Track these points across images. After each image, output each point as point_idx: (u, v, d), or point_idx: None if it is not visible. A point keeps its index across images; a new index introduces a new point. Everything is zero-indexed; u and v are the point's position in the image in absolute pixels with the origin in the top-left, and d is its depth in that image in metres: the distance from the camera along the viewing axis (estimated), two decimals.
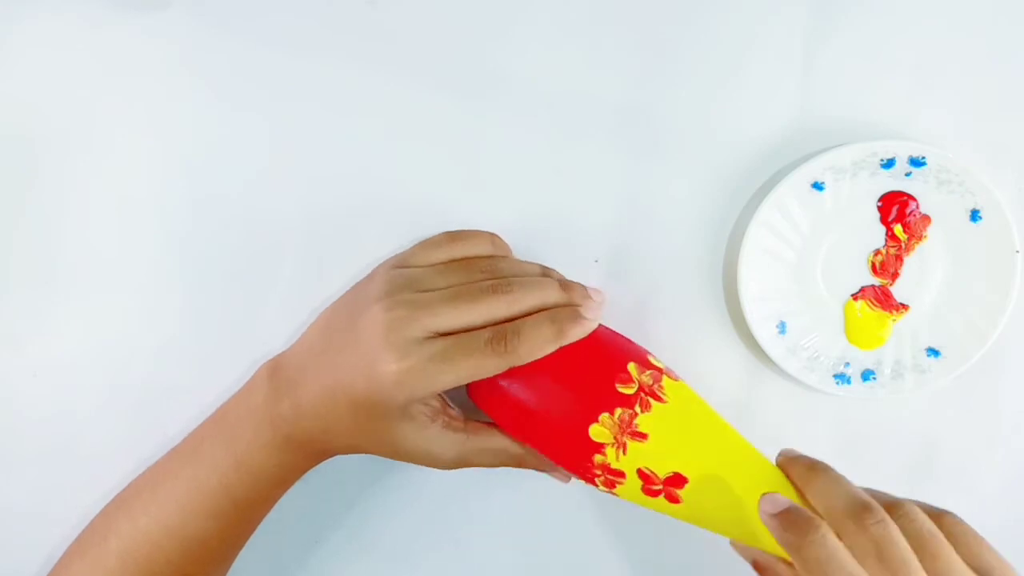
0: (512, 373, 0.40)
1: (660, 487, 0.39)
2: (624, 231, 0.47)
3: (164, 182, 0.46)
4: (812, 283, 0.47)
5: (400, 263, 0.44)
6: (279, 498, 0.44)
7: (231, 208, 0.46)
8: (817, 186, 0.46)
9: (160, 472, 0.44)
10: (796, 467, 0.38)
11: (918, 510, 0.36)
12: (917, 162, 0.45)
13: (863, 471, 0.49)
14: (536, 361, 0.40)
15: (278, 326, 0.46)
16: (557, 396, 0.40)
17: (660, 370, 0.41)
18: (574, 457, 0.40)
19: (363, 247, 0.46)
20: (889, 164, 0.45)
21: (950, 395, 0.49)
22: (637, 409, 0.39)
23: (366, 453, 0.42)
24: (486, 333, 0.40)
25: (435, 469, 0.42)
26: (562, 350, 0.40)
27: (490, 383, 0.41)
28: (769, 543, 0.37)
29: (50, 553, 0.45)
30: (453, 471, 0.42)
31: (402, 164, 0.46)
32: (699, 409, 0.41)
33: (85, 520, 0.45)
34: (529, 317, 0.41)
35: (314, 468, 0.44)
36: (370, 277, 0.44)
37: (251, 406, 0.43)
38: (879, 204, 0.47)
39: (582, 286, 0.43)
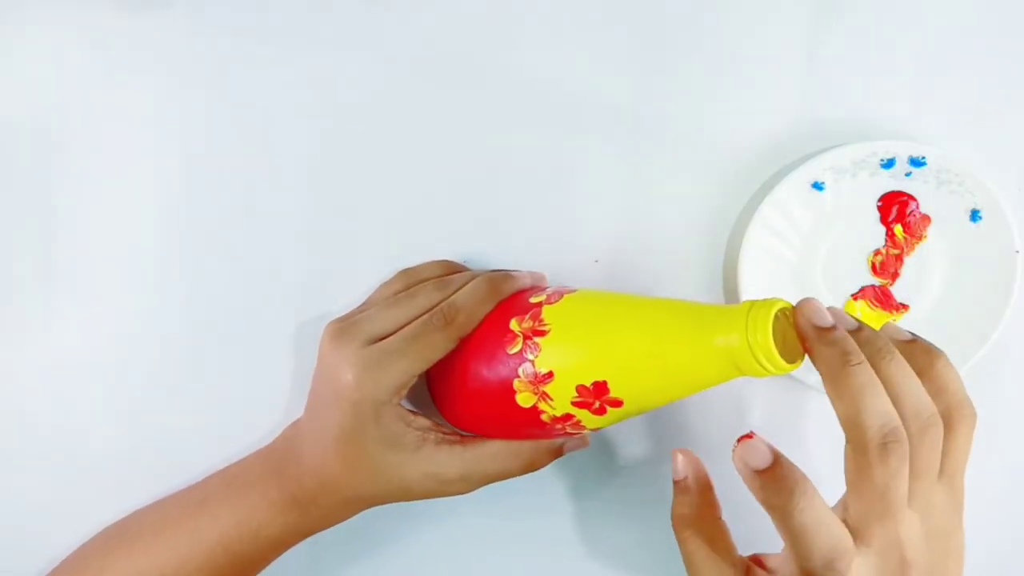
0: (447, 370, 0.40)
1: (596, 402, 0.37)
2: (624, 231, 0.47)
3: (165, 182, 0.46)
4: (812, 283, 0.47)
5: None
6: (276, 558, 0.43)
7: (232, 208, 0.46)
8: (817, 186, 0.46)
9: (164, 517, 0.44)
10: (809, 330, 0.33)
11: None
12: (917, 162, 0.45)
13: None
14: (457, 355, 0.40)
15: (279, 326, 0.46)
16: (483, 383, 0.39)
17: (539, 304, 0.39)
18: (530, 430, 0.40)
19: (364, 246, 0.46)
20: (889, 164, 0.46)
21: None
22: (529, 356, 0.38)
23: (377, 501, 0.41)
24: (425, 315, 0.40)
25: (454, 496, 0.41)
26: (471, 339, 0.40)
27: (440, 388, 0.41)
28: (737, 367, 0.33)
29: (50, 553, 0.45)
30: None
31: (402, 163, 0.46)
32: (593, 309, 0.38)
33: (85, 520, 0.45)
34: (464, 287, 0.41)
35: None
36: None
37: (266, 467, 0.43)
38: (879, 204, 0.47)
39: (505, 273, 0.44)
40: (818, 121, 0.47)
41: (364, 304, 0.45)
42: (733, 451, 0.33)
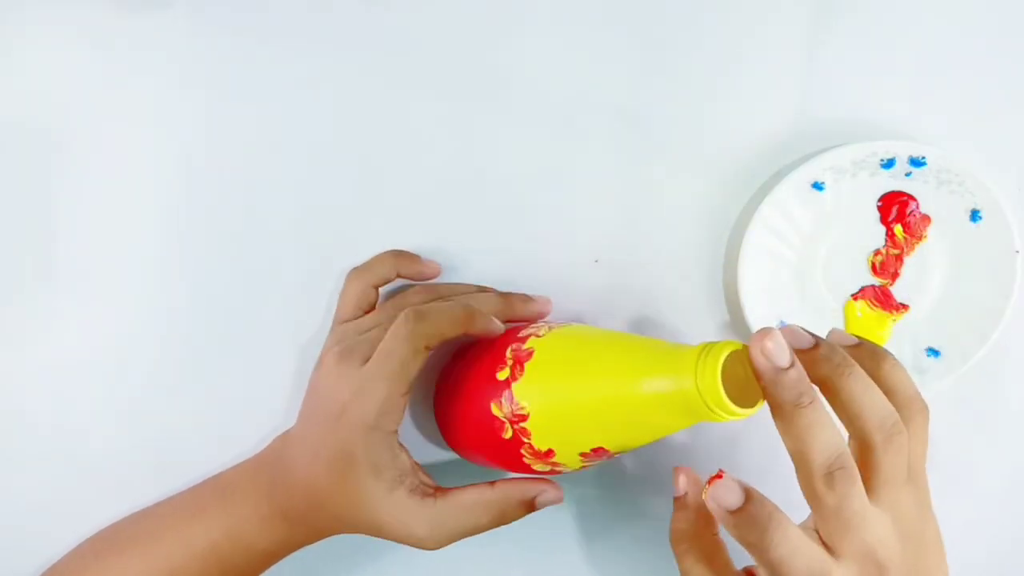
0: (445, 393, 0.41)
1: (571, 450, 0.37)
2: (624, 231, 0.47)
3: (165, 181, 0.46)
4: (812, 283, 0.47)
5: (336, 321, 0.45)
6: (267, 568, 0.43)
7: (232, 207, 0.46)
8: (817, 186, 0.46)
9: (159, 524, 0.44)
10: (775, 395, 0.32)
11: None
12: (917, 162, 0.45)
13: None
14: (453, 384, 0.41)
15: (280, 326, 0.46)
16: (471, 415, 0.40)
17: (524, 339, 0.39)
18: (514, 465, 0.39)
19: (365, 246, 0.46)
20: (889, 164, 0.46)
21: (950, 395, 0.49)
22: (509, 398, 0.38)
23: (355, 530, 0.40)
24: (394, 324, 0.39)
25: (424, 550, 0.40)
26: (466, 364, 0.41)
27: (439, 409, 0.42)
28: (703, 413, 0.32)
29: (50, 553, 0.45)
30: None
31: (402, 163, 0.46)
32: (573, 344, 0.38)
33: (85, 520, 0.45)
34: (438, 301, 0.42)
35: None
36: (327, 339, 0.45)
37: (257, 479, 0.43)
38: (879, 204, 0.47)
39: (499, 293, 0.45)
40: (818, 121, 0.47)
41: (337, 310, 0.45)
42: (704, 492, 0.32)
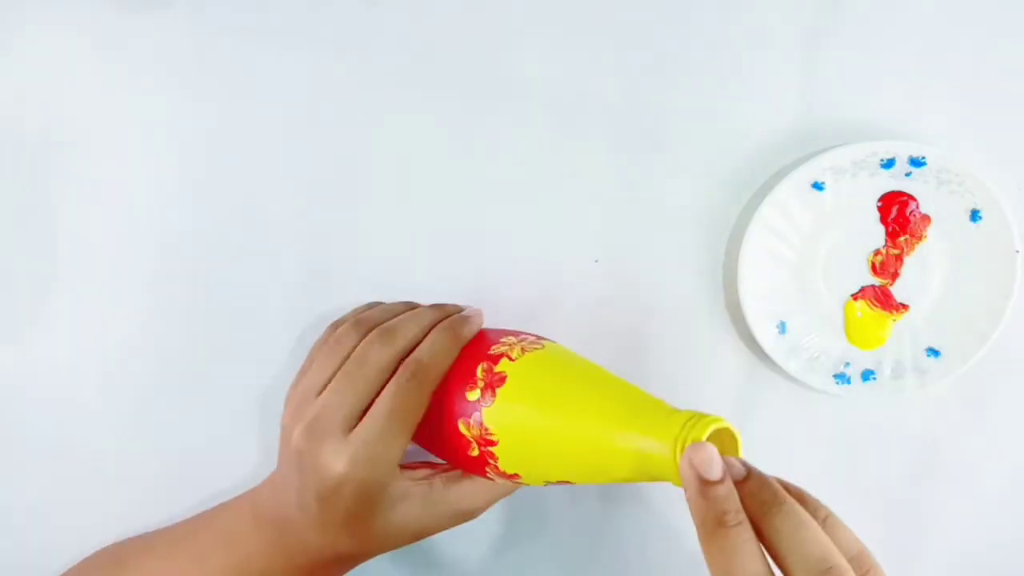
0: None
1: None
2: (624, 231, 0.47)
3: (165, 181, 0.46)
4: (812, 283, 0.47)
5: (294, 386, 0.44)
6: None
7: (232, 207, 0.46)
8: (817, 186, 0.46)
9: (156, 555, 0.44)
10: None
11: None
12: (917, 162, 0.45)
13: (863, 471, 0.50)
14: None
15: (279, 325, 0.46)
16: (440, 424, 0.39)
17: (495, 358, 0.39)
18: (480, 473, 0.39)
19: (365, 246, 0.46)
20: (889, 164, 0.46)
21: (950, 395, 0.49)
22: (481, 420, 0.38)
23: (397, 548, 0.41)
24: (392, 384, 0.39)
25: (474, 519, 0.41)
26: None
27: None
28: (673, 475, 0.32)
29: (50, 553, 0.45)
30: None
31: (402, 163, 0.46)
32: (547, 375, 0.38)
33: (85, 520, 0.45)
34: (425, 340, 0.40)
35: None
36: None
37: (263, 536, 0.41)
38: (879, 204, 0.47)
39: (452, 305, 0.44)
40: (818, 121, 0.47)
41: (303, 372, 0.43)
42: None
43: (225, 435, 0.47)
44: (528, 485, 0.39)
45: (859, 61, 0.47)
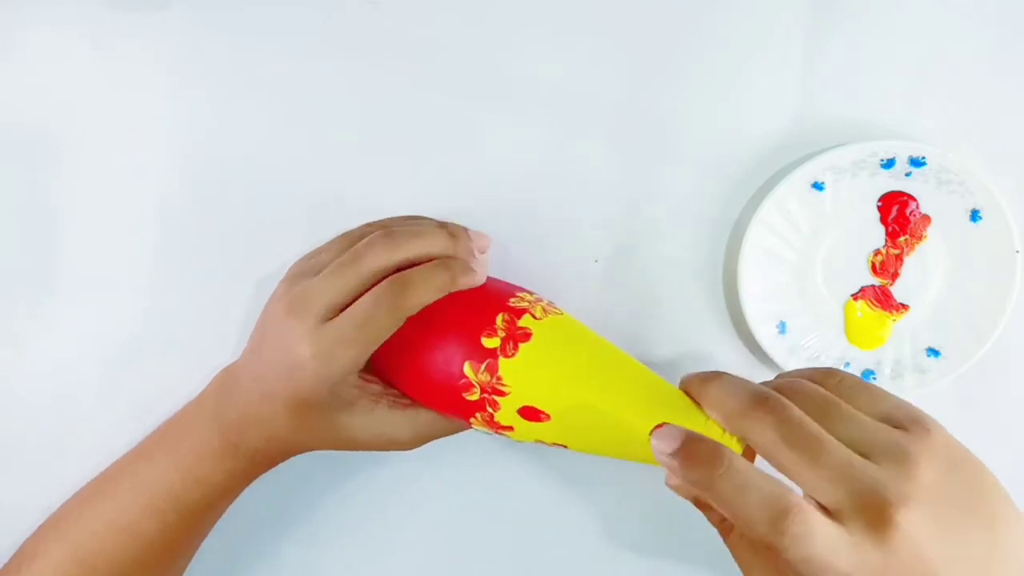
0: (397, 336, 0.39)
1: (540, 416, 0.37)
2: (624, 231, 0.47)
3: (164, 181, 0.46)
4: (812, 283, 0.47)
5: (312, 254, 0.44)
6: (227, 507, 0.44)
7: (232, 207, 0.46)
8: (817, 186, 0.46)
9: (111, 471, 0.45)
10: (692, 385, 0.35)
11: (804, 382, 0.34)
12: (917, 162, 0.45)
13: None
14: (417, 320, 0.39)
15: None
16: (434, 357, 0.39)
17: (518, 312, 0.39)
18: (461, 414, 0.40)
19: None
20: (889, 164, 0.45)
21: (950, 395, 0.49)
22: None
23: (323, 450, 0.42)
24: (375, 291, 0.39)
25: (399, 451, 0.42)
26: (440, 307, 0.40)
27: (387, 365, 0.41)
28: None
29: None
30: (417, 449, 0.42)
31: (402, 163, 0.46)
32: (572, 341, 0.39)
33: None
34: (421, 266, 0.40)
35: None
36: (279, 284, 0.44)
37: (202, 414, 0.43)
38: (879, 204, 0.47)
39: (466, 233, 0.43)
40: (818, 121, 0.47)
41: (317, 252, 0.44)
42: (652, 448, 0.33)
43: None
44: (515, 440, 0.39)
45: (859, 61, 0.47)
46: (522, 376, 0.37)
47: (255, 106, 0.46)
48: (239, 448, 0.41)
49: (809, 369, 0.36)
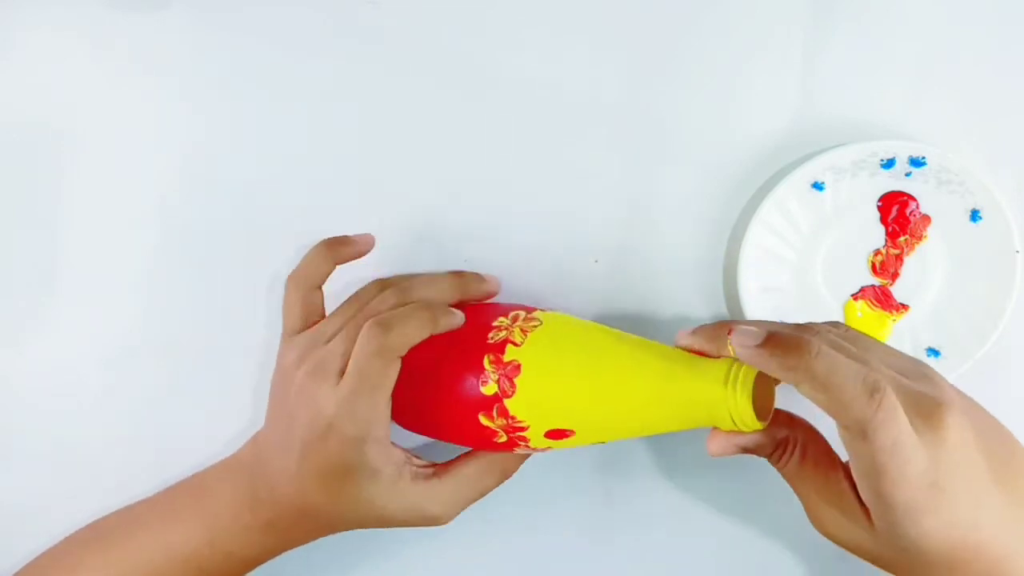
0: (408, 381, 0.40)
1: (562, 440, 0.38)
2: (624, 231, 0.47)
3: (164, 181, 0.46)
4: (812, 283, 0.47)
5: (285, 334, 0.43)
6: (247, 574, 0.43)
7: (232, 207, 0.46)
8: (817, 186, 0.46)
9: (138, 525, 0.44)
10: (702, 338, 0.36)
11: (821, 323, 0.37)
12: (917, 162, 0.45)
13: None
14: (421, 383, 0.40)
15: (280, 327, 0.46)
16: (452, 418, 0.40)
17: (500, 347, 0.39)
18: (482, 444, 0.40)
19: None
20: (889, 164, 0.46)
21: None
22: (501, 407, 0.38)
23: (355, 528, 0.41)
24: (361, 337, 0.39)
25: (439, 525, 0.41)
26: (433, 364, 0.40)
27: (399, 401, 0.40)
28: (702, 416, 0.35)
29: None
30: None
31: (403, 163, 0.46)
32: (559, 350, 0.38)
33: (86, 520, 0.45)
34: (400, 308, 0.41)
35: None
36: (281, 351, 0.43)
37: (236, 487, 0.42)
38: (879, 204, 0.47)
39: (471, 273, 0.44)
40: (818, 121, 0.47)
41: (327, 322, 0.43)
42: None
43: (225, 435, 0.46)
44: (567, 448, 0.40)
45: (859, 61, 0.47)
46: (529, 408, 0.38)
47: (255, 106, 0.46)
48: (272, 525, 0.41)
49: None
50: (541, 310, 0.41)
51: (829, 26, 0.46)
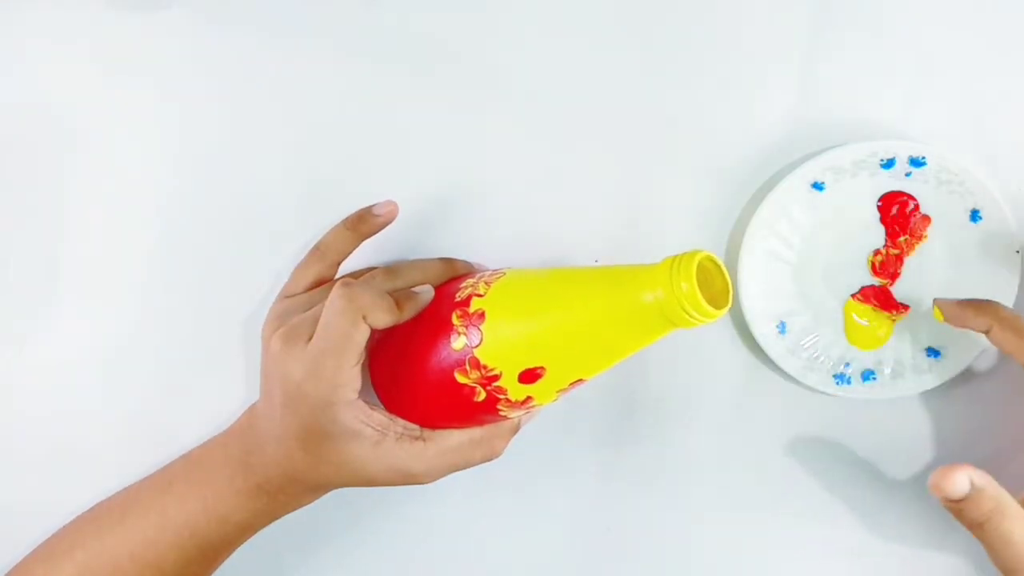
0: (388, 361, 0.40)
1: (537, 381, 0.38)
2: (624, 231, 0.47)
3: (164, 181, 0.46)
4: (812, 283, 0.47)
5: (282, 295, 0.45)
6: (244, 542, 0.44)
7: (232, 206, 0.46)
8: (817, 186, 0.46)
9: (133, 500, 0.45)
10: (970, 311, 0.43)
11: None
12: (917, 162, 0.45)
13: (863, 471, 0.50)
14: (399, 340, 0.40)
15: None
16: (432, 387, 0.39)
17: (465, 302, 0.39)
18: (489, 417, 0.40)
19: (364, 246, 0.46)
20: (889, 164, 0.46)
21: (950, 395, 0.49)
22: (472, 354, 0.38)
23: (343, 486, 0.42)
24: (329, 297, 0.39)
25: (421, 485, 0.41)
26: (409, 339, 0.40)
27: (382, 384, 0.41)
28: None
29: None
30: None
31: (401, 164, 0.46)
32: (519, 293, 0.39)
33: None
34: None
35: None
36: (267, 317, 0.44)
37: (228, 455, 0.43)
38: (879, 204, 0.47)
39: (461, 262, 0.45)
40: (818, 121, 0.47)
41: (288, 285, 0.45)
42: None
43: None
44: (546, 404, 0.40)
45: (859, 61, 0.47)
46: (498, 352, 0.38)
47: (255, 106, 0.46)
48: (263, 489, 0.42)
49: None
50: (510, 267, 0.41)
51: (829, 26, 0.46)
